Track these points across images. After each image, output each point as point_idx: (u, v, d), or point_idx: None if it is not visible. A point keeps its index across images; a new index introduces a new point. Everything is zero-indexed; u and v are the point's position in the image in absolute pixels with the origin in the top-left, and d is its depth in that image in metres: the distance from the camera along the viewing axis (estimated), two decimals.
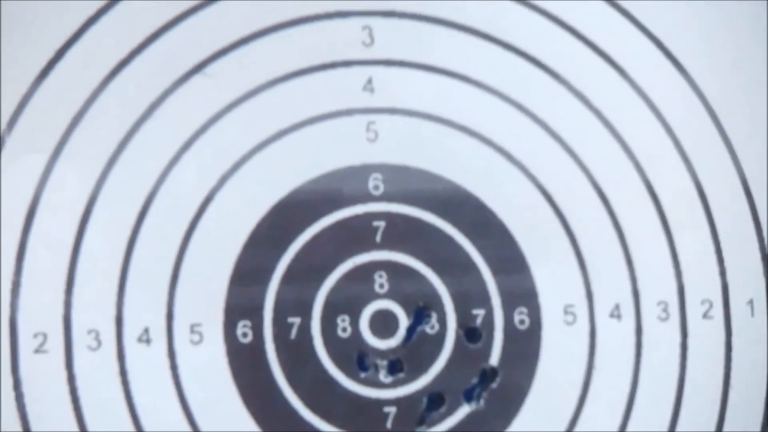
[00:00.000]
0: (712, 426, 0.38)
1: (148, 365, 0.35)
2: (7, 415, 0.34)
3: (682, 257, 0.38)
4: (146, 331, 0.35)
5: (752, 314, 0.38)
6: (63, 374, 0.34)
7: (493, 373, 0.37)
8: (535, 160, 0.38)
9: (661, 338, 0.38)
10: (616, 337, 0.38)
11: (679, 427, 0.38)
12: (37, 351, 0.34)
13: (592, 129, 0.38)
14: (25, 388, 0.34)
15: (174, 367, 0.35)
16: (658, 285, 0.38)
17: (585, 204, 0.38)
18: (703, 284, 0.38)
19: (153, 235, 0.35)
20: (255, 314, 0.36)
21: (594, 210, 0.38)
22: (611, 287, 0.38)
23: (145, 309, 0.35)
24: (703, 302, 0.38)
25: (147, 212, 0.36)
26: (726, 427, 0.38)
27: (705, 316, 0.38)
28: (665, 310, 0.38)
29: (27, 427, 0.34)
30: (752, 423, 0.38)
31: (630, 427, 0.37)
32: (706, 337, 0.38)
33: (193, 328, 0.35)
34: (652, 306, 0.38)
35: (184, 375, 0.35)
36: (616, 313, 0.38)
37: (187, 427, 0.35)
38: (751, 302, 0.38)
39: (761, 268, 0.38)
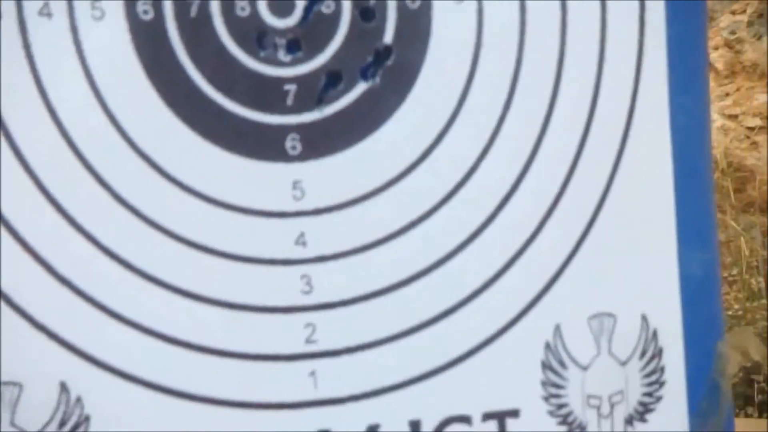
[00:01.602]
0: (588, 98, 0.40)
1: (50, 40, 0.35)
2: None
3: None
4: (46, 4, 0.35)
5: None
6: None
7: (387, 51, 0.39)
8: None
9: (544, 14, 0.40)
10: (502, 15, 0.39)
11: (558, 104, 0.40)
12: None
13: None
14: None
15: (77, 43, 0.35)
16: None
17: None
18: None
19: None
20: None
21: None
22: None
23: None
24: None
25: None
26: (600, 99, 0.40)
27: None
28: None
29: None
30: (620, 100, 0.41)
31: (514, 101, 0.40)
32: (588, 11, 0.40)
33: (93, 4, 0.35)
34: None
35: (88, 51, 0.36)
36: None
37: (95, 103, 0.36)
38: None
39: None
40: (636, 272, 0.42)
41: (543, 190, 0.41)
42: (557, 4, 0.40)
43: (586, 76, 0.40)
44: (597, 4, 0.40)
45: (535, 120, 0.40)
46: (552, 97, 0.40)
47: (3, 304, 0.36)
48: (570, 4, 0.40)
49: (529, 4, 0.39)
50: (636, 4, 0.40)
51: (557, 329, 0.41)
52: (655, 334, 0.42)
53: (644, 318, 0.42)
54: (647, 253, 0.42)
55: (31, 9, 0.35)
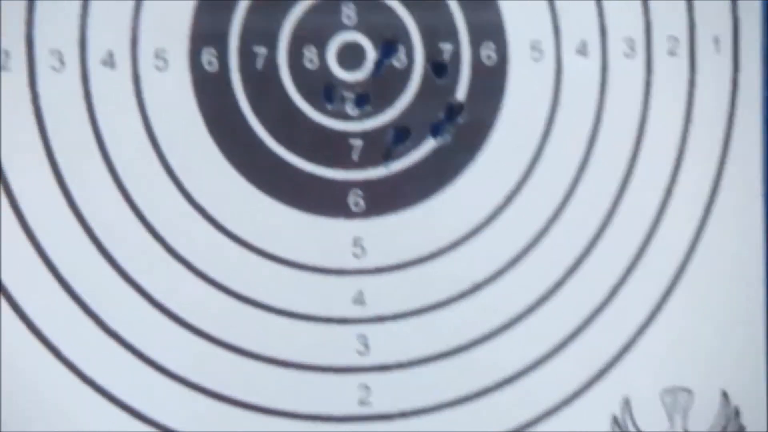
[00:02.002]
0: (671, 161, 0.38)
1: (112, 89, 0.35)
2: None
3: None
4: (110, 54, 0.35)
5: (717, 51, 0.38)
6: (26, 93, 0.34)
7: (459, 107, 0.37)
8: None
9: (626, 75, 0.38)
10: (581, 74, 0.38)
11: (639, 165, 0.38)
12: None
13: None
14: None
15: (138, 93, 0.35)
16: (625, 21, 0.38)
17: None
18: (669, 21, 0.38)
19: None
20: (221, 42, 0.36)
21: None
22: (578, 23, 0.37)
23: (109, 32, 0.35)
24: (669, 39, 0.38)
25: None
26: (685, 163, 0.38)
27: (670, 53, 0.38)
28: (631, 47, 0.38)
29: None
30: (708, 163, 0.39)
31: (591, 162, 0.38)
32: (671, 74, 0.38)
33: (157, 54, 0.35)
34: (618, 42, 0.38)
35: (149, 101, 0.35)
36: (582, 50, 0.38)
37: (152, 153, 0.35)
38: (716, 39, 0.38)
39: (728, 4, 0.38)
40: (717, 344, 0.40)
41: (619, 254, 0.39)
42: (642, 64, 0.38)
43: (670, 138, 0.38)
44: (685, 64, 0.38)
45: (613, 182, 0.38)
46: (632, 159, 0.38)
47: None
48: (656, 65, 0.38)
49: (611, 64, 0.38)
50: (729, 66, 0.38)
51: (626, 402, 0.39)
52: (737, 412, 0.40)
53: (725, 395, 0.40)
54: (731, 323, 0.40)
55: (94, 59, 0.34)
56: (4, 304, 0.35)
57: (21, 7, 0.34)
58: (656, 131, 0.38)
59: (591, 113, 0.38)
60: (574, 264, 0.38)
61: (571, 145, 0.38)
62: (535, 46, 0.37)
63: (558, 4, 0.37)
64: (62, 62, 0.34)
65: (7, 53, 0.34)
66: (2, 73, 0.34)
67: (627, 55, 0.38)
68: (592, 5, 0.37)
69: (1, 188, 0.34)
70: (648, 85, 0.38)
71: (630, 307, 0.39)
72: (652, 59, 0.38)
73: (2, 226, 0.35)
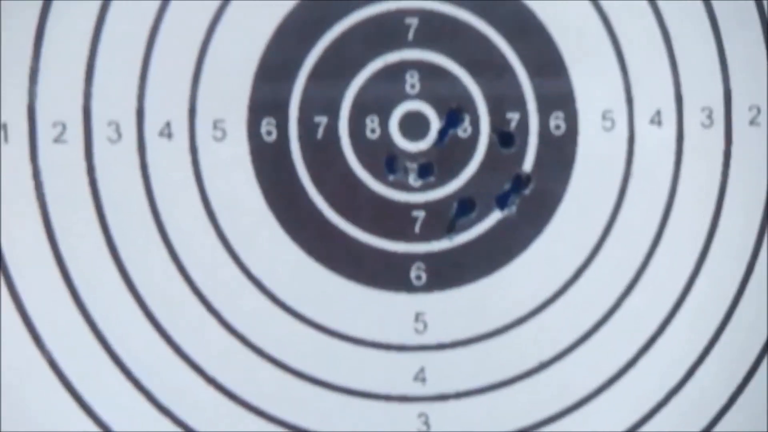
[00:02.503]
0: (752, 237, 0.36)
1: (169, 160, 0.34)
2: (27, 206, 0.33)
3: (730, 60, 0.36)
4: (168, 125, 0.34)
5: None
6: (82, 165, 0.34)
7: (526, 179, 0.36)
8: None
9: (704, 146, 0.36)
10: (655, 144, 0.36)
11: (716, 240, 0.36)
12: (56, 141, 0.34)
13: None
14: (44, 178, 0.34)
15: (196, 163, 0.34)
16: (703, 89, 0.36)
17: (628, 2, 0.36)
18: (751, 89, 0.36)
19: (177, 24, 0.34)
20: (280, 112, 0.35)
21: (638, 8, 0.36)
22: (653, 92, 0.36)
23: (167, 102, 0.34)
24: (750, 108, 0.36)
25: (170, 1, 0.34)
26: None
27: (752, 122, 0.36)
28: (709, 116, 0.36)
29: (47, 218, 0.34)
30: None
31: (665, 237, 0.36)
32: (752, 145, 0.36)
33: (216, 124, 0.34)
34: (695, 112, 0.36)
35: (206, 172, 0.34)
36: (656, 119, 0.36)
37: (208, 225, 0.34)
38: None
39: None
40: None
41: (695, 333, 0.37)
42: (721, 134, 0.36)
43: (751, 212, 0.36)
44: (766, 133, 0.36)
45: (689, 256, 0.36)
46: (709, 234, 0.36)
47: None
48: (736, 135, 0.36)
49: (688, 133, 0.36)
50: None
51: None
52: None
53: None
54: None
55: (151, 130, 0.34)
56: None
57: (78, 79, 0.33)
58: (736, 204, 0.36)
59: (666, 185, 0.36)
60: (647, 343, 0.37)
61: (645, 219, 0.36)
62: (607, 116, 0.36)
63: (632, 73, 0.36)
64: (119, 134, 0.34)
65: (63, 125, 0.34)
66: (59, 146, 0.33)
67: (705, 125, 0.36)
68: (668, 74, 0.36)
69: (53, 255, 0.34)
70: (727, 156, 0.36)
71: (705, 393, 0.37)
72: (732, 129, 0.36)
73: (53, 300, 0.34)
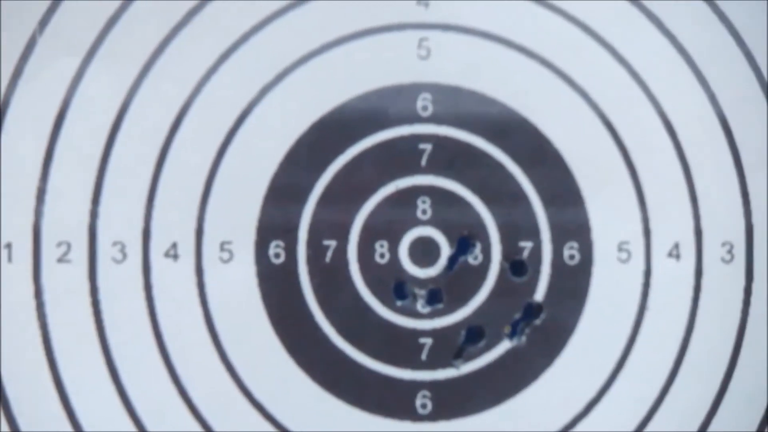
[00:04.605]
0: None
1: (174, 282, 0.34)
2: (28, 325, 0.33)
3: (752, 195, 0.35)
4: (174, 246, 0.34)
5: None
6: (86, 285, 0.34)
7: (537, 308, 0.35)
8: (598, 85, 0.35)
9: (724, 281, 0.35)
10: (673, 278, 0.35)
11: (735, 378, 0.35)
12: (60, 260, 0.34)
13: (663, 54, 0.35)
14: (47, 297, 0.34)
15: (201, 285, 0.34)
16: (723, 224, 0.35)
17: (648, 134, 0.35)
18: None
19: (186, 147, 0.34)
20: (289, 235, 0.34)
21: (658, 141, 0.35)
22: (672, 225, 0.35)
23: (173, 223, 0.34)
24: None
25: (181, 123, 0.34)
26: None
27: None
28: (730, 251, 0.35)
29: (47, 338, 0.34)
30: None
31: (682, 373, 0.35)
32: None
33: (223, 246, 0.34)
34: (715, 247, 0.35)
35: (212, 294, 0.34)
36: (675, 253, 0.35)
37: (212, 348, 0.34)
38: None
39: None
40: None
41: None
42: (742, 269, 0.35)
43: None
44: None
45: (706, 396, 0.35)
46: (728, 372, 0.35)
47: None
48: (757, 271, 0.35)
49: (707, 268, 0.35)
50: None
51: None
52: None
53: None
54: None
55: (157, 251, 0.34)
56: None
57: (85, 199, 0.34)
58: (755, 343, 0.35)
59: (683, 321, 0.35)
60: None
61: (660, 355, 0.35)
62: (623, 247, 0.35)
63: (650, 205, 0.35)
64: (124, 254, 0.34)
65: (68, 245, 0.34)
66: (63, 266, 0.33)
67: (725, 260, 0.35)
68: (688, 207, 0.35)
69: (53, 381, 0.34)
70: (748, 293, 0.35)
71: None
72: (753, 265, 0.35)
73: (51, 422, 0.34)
